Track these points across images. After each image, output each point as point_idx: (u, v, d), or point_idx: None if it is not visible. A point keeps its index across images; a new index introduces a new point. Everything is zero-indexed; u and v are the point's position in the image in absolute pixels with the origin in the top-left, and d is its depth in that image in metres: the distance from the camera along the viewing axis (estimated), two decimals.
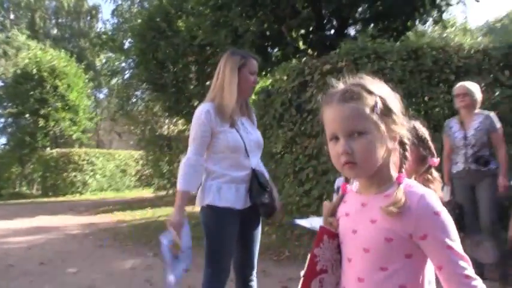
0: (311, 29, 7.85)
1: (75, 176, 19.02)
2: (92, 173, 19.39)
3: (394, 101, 1.19)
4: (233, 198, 2.51)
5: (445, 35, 17.05)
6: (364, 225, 1.17)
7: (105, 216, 11.09)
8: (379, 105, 1.15)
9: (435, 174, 1.72)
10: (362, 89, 1.17)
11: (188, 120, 13.73)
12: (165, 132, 17.03)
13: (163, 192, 14.42)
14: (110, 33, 25.61)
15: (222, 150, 2.53)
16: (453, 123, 4.12)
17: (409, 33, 7.80)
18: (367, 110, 1.14)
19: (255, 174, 2.56)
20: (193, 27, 11.56)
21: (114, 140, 31.90)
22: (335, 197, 3.12)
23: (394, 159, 1.23)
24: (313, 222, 1.73)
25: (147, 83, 14.24)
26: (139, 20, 16.10)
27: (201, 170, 2.53)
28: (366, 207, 1.19)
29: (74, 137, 20.86)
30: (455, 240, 1.09)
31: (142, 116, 21.67)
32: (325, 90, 4.73)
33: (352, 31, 8.66)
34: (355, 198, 1.25)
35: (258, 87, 8.02)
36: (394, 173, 1.21)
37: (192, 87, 13.92)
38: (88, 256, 6.13)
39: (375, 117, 1.14)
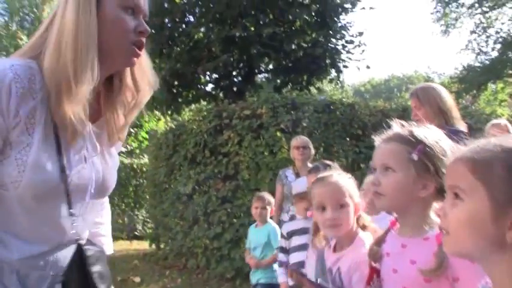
0: (222, 73, 8.06)
1: None
2: None
3: (442, 153, 1.25)
4: None
5: (327, 91, 18.69)
6: (404, 265, 1.24)
7: None
8: (417, 151, 1.23)
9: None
10: (408, 134, 1.28)
11: None
12: None
13: None
14: None
15: (3, 184, 1.10)
16: (289, 173, 4.38)
17: (311, 88, 8.45)
18: (404, 153, 1.24)
19: (79, 253, 1.21)
20: None
21: None
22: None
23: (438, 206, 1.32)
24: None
25: None
26: (23, 39, 14.85)
27: None
28: (406, 249, 1.26)
29: None
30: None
31: None
32: (242, 134, 4.84)
33: (258, 80, 9.08)
34: (396, 239, 1.32)
35: (163, 126, 7.86)
36: (435, 219, 1.27)
37: None
38: None
39: (409, 160, 1.24)
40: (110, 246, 1.47)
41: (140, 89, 1.27)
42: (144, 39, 1.20)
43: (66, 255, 1.19)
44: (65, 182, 1.13)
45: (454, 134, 2.40)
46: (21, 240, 1.13)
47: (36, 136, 1.09)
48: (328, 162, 2.55)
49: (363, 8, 8.91)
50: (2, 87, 1.04)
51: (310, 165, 4.30)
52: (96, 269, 1.23)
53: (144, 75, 1.28)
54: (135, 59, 1.20)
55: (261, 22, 7.41)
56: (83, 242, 1.24)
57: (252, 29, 7.80)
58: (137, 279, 5.98)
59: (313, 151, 4.41)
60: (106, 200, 1.46)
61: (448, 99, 2.77)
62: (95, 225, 1.40)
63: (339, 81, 9.04)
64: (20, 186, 1.08)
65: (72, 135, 1.13)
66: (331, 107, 5.91)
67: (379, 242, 1.35)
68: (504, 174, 0.79)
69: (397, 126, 1.31)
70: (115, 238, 9.51)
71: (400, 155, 1.24)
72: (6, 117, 1.06)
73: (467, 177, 0.83)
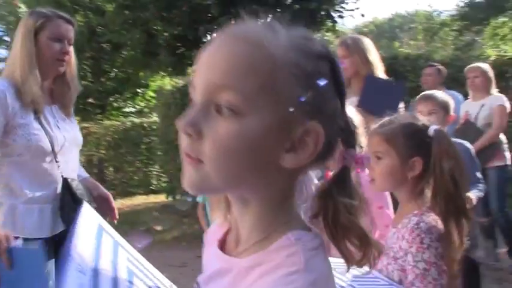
0: None
1: None
2: None
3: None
4: (35, 225, 1.84)
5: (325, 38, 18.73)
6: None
7: None
8: None
9: None
10: None
11: (83, 116, 13.31)
12: None
13: None
14: None
15: (20, 153, 1.84)
16: None
17: None
18: None
19: (67, 186, 1.92)
20: (93, 23, 11.26)
21: None
22: None
23: None
24: None
25: None
26: (22, 8, 15.01)
27: None
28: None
29: None
30: None
31: None
32: None
33: None
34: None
35: (169, 84, 8.31)
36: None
37: (87, 83, 13.49)
38: None
39: None
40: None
41: (72, 88, 2.04)
42: (66, 57, 1.94)
43: (56, 187, 1.91)
44: (50, 141, 1.87)
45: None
46: (35, 184, 1.85)
47: (29, 119, 1.83)
48: None
49: None
50: (2, 94, 1.79)
51: None
52: (78, 191, 1.94)
53: (73, 81, 2.04)
54: (60, 68, 1.95)
55: None
56: (68, 177, 1.94)
57: None
58: (159, 228, 6.64)
59: None
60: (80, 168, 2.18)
61: (376, 52, 2.85)
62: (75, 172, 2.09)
63: (335, 31, 9.37)
64: (31, 150, 1.82)
65: (37, 111, 1.87)
66: None
67: None
68: (404, 140, 1.33)
69: None
70: (133, 194, 10.09)
71: None
72: (8, 110, 1.79)
73: (383, 145, 1.35)
